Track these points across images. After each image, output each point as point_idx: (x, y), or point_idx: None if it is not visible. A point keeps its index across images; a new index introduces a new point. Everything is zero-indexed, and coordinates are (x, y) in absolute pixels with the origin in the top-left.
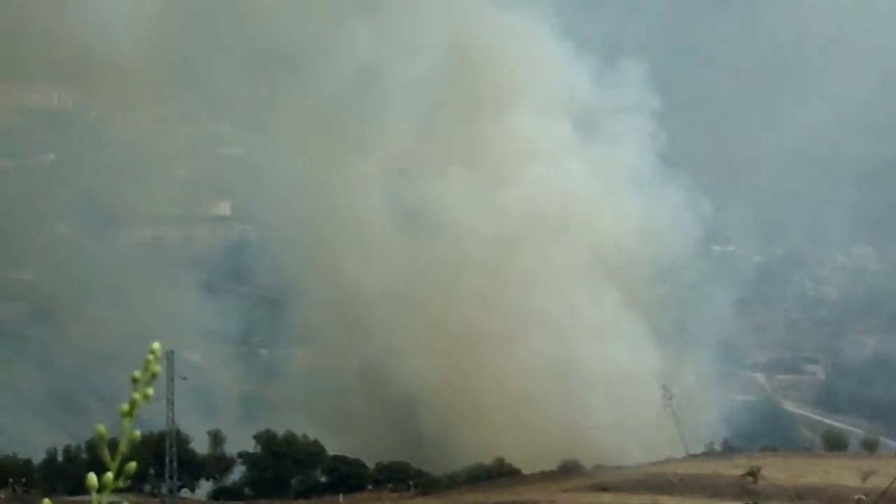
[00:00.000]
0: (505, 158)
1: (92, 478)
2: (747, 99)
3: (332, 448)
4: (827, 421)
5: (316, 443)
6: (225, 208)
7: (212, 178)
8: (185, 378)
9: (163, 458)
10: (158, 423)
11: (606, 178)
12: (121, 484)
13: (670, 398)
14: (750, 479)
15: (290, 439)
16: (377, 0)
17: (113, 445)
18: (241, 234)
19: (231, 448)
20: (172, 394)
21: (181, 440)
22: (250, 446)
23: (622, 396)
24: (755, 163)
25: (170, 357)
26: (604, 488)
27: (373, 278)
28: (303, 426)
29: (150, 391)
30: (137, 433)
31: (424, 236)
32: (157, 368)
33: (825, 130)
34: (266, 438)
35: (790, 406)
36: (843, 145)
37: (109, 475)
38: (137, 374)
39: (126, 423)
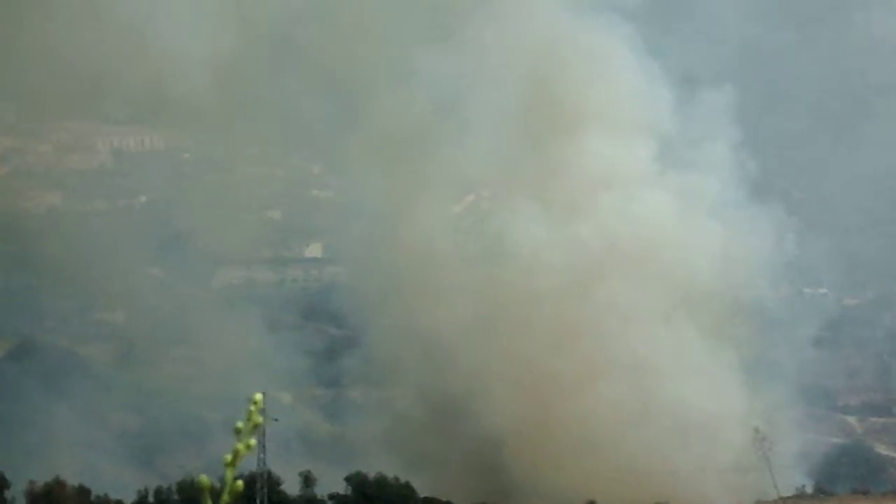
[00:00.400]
0: (580, 188)
1: None
2: (832, 135)
3: (422, 489)
4: None
5: (407, 485)
6: (316, 250)
7: (304, 220)
8: (276, 419)
9: (254, 499)
10: (249, 464)
11: (687, 209)
12: None
13: (762, 440)
14: None
15: (381, 481)
16: (451, 28)
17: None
18: (331, 275)
19: (322, 490)
20: (263, 435)
21: (272, 482)
22: (341, 488)
23: (711, 438)
24: (842, 200)
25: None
26: None
27: (450, 316)
28: (390, 467)
29: (253, 441)
30: (240, 483)
31: (501, 272)
32: (259, 419)
33: None
34: (357, 480)
35: (882, 449)
36: None
37: None
38: (240, 424)
39: (229, 472)
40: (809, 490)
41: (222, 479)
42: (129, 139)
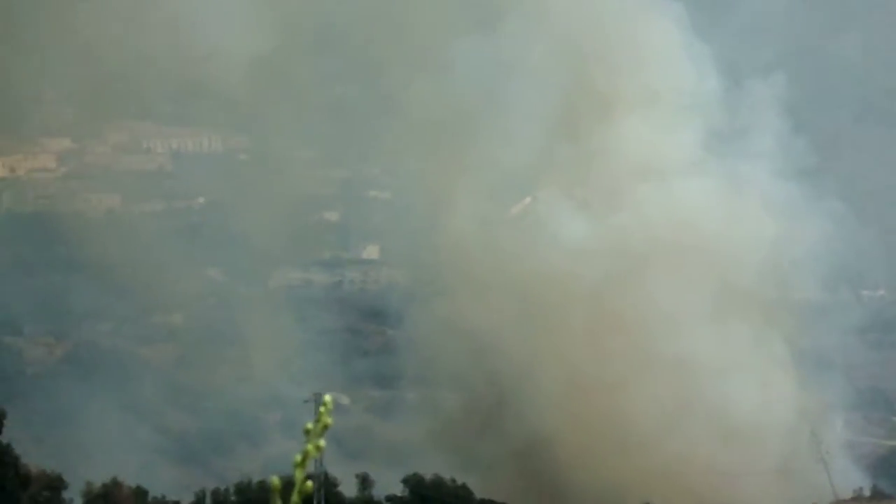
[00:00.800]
0: (622, 177)
1: None
2: (887, 130)
3: (477, 491)
4: None
5: (464, 486)
6: (373, 251)
7: (361, 221)
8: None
9: (311, 502)
10: (307, 466)
11: (735, 200)
12: None
13: (819, 442)
14: None
15: (438, 482)
16: (495, 14)
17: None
18: (388, 277)
19: (379, 492)
20: (324, 438)
21: (329, 483)
22: (398, 490)
23: (763, 439)
24: None
25: (318, 400)
26: None
27: (496, 314)
28: (446, 468)
29: (322, 443)
30: (310, 483)
31: (543, 267)
32: (329, 420)
33: None
34: (414, 482)
35: None
36: None
37: None
38: (309, 426)
39: (298, 473)
40: (867, 493)
41: (286, 479)
42: (186, 140)
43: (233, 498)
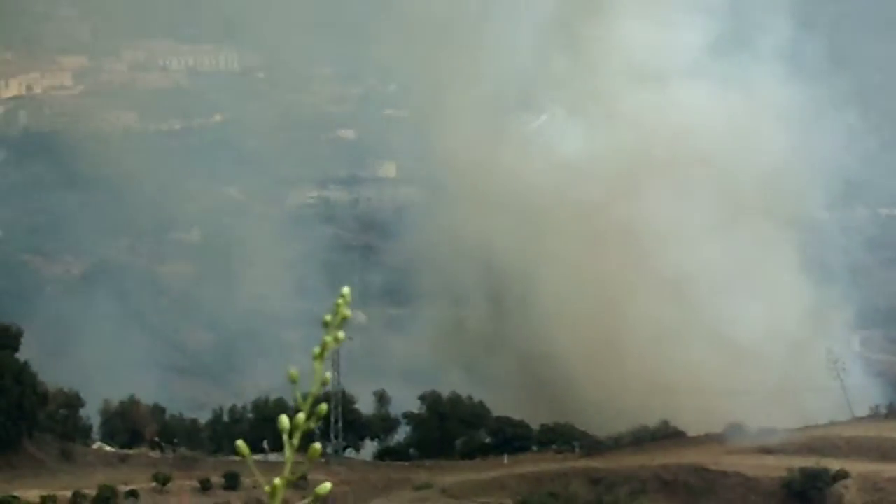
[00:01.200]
0: (620, 83)
1: (283, 419)
2: None
3: (496, 409)
4: None
5: (480, 404)
6: (390, 169)
7: (377, 139)
8: (351, 338)
9: (328, 418)
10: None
11: (741, 108)
12: (312, 425)
13: (835, 361)
14: None
15: (455, 400)
16: None
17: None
18: (405, 195)
19: (396, 409)
20: (338, 354)
21: (346, 401)
22: (415, 407)
23: (783, 358)
24: None
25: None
26: (768, 451)
27: (500, 227)
28: (464, 387)
29: (342, 334)
30: (329, 375)
31: (540, 180)
32: (348, 312)
33: None
34: (431, 399)
35: None
36: None
37: (301, 416)
38: (328, 317)
39: (317, 364)
40: (884, 410)
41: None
42: (203, 58)
43: (250, 415)
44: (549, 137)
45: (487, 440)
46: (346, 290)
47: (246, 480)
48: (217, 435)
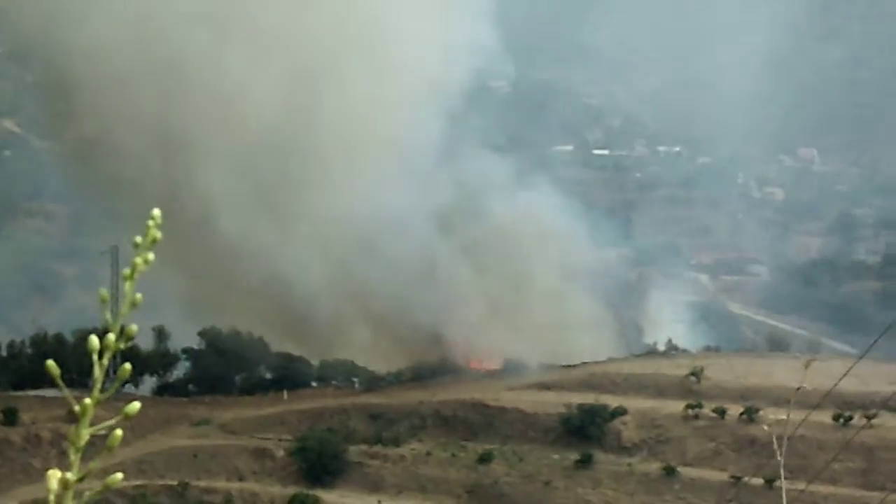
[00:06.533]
0: None
1: (93, 339)
2: None
3: (276, 346)
4: (771, 322)
5: (260, 340)
6: None
7: None
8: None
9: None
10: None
11: None
12: (121, 346)
13: (614, 298)
14: (693, 378)
15: (235, 336)
16: None
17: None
18: None
19: (175, 345)
20: (116, 289)
21: (124, 336)
22: (195, 343)
23: (563, 295)
24: (701, 58)
25: (114, 252)
26: (547, 387)
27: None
28: (247, 324)
29: (151, 256)
30: (140, 296)
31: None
32: (158, 234)
33: (775, 31)
34: (211, 335)
35: (734, 307)
36: (791, 46)
37: (111, 336)
38: (138, 239)
39: (128, 286)
40: (661, 348)
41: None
42: None
43: (28, 350)
44: None
45: (267, 376)
46: (156, 211)
47: (24, 416)
48: None
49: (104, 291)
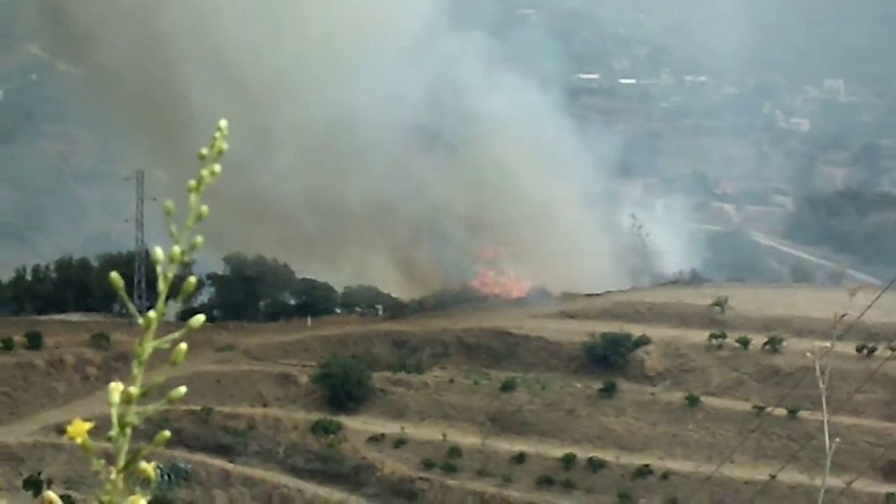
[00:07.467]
0: None
1: (157, 251)
2: None
3: (301, 272)
4: (795, 252)
5: (286, 266)
6: None
7: None
8: (154, 199)
9: (132, 279)
10: (128, 243)
11: None
12: (187, 258)
13: (639, 227)
14: (717, 308)
15: (260, 262)
16: None
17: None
18: None
19: (200, 270)
20: (142, 214)
21: (150, 262)
22: (220, 268)
23: (587, 224)
24: None
25: (139, 177)
26: (571, 316)
27: None
28: (272, 249)
29: (218, 168)
30: (205, 208)
31: None
32: (224, 145)
33: None
34: (236, 261)
35: (758, 237)
36: None
37: (176, 249)
38: (204, 150)
39: (193, 198)
40: (686, 277)
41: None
42: None
43: (53, 274)
44: None
45: (291, 302)
46: (223, 122)
47: (48, 341)
48: (19, 294)
49: (168, 203)
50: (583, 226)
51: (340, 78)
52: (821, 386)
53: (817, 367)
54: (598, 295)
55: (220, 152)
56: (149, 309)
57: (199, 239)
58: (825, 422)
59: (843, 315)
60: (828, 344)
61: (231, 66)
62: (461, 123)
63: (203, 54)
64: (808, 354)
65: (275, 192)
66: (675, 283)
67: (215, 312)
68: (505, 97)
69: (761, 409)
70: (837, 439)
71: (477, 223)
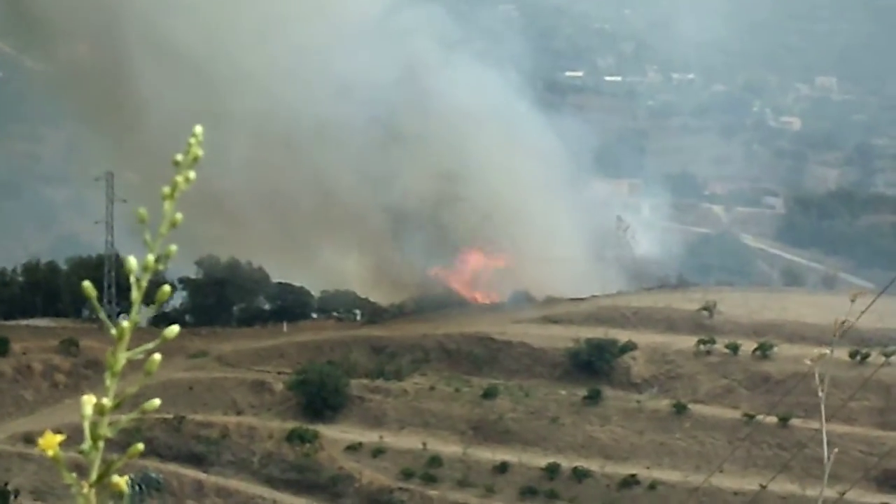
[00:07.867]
0: None
1: (131, 260)
2: None
3: (277, 275)
4: (786, 255)
5: (260, 269)
6: None
7: None
8: (124, 200)
9: (102, 282)
10: (97, 247)
11: None
12: (161, 266)
13: (625, 229)
14: (705, 313)
15: (234, 265)
16: None
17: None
18: None
19: (172, 274)
20: (112, 217)
21: (120, 265)
22: (192, 272)
23: (573, 227)
24: None
25: (109, 179)
26: (554, 321)
27: None
28: (246, 253)
29: (193, 175)
30: (180, 216)
31: None
32: (199, 151)
33: None
34: (208, 264)
35: (748, 239)
36: None
37: (150, 257)
38: (179, 157)
39: (168, 205)
40: (673, 281)
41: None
42: None
43: (20, 278)
44: None
45: (266, 307)
46: (198, 128)
47: (15, 346)
48: None
49: (142, 211)
50: (562, 227)
51: (299, 69)
52: (820, 394)
53: (816, 375)
54: (582, 299)
55: (196, 159)
56: (119, 314)
57: (174, 248)
58: (823, 431)
59: (844, 321)
60: (825, 350)
61: (186, 58)
62: (427, 117)
63: (158, 48)
64: (808, 361)
65: (228, 188)
66: (662, 287)
67: (187, 317)
68: (474, 87)
69: (751, 417)
70: (836, 449)
71: (446, 222)
